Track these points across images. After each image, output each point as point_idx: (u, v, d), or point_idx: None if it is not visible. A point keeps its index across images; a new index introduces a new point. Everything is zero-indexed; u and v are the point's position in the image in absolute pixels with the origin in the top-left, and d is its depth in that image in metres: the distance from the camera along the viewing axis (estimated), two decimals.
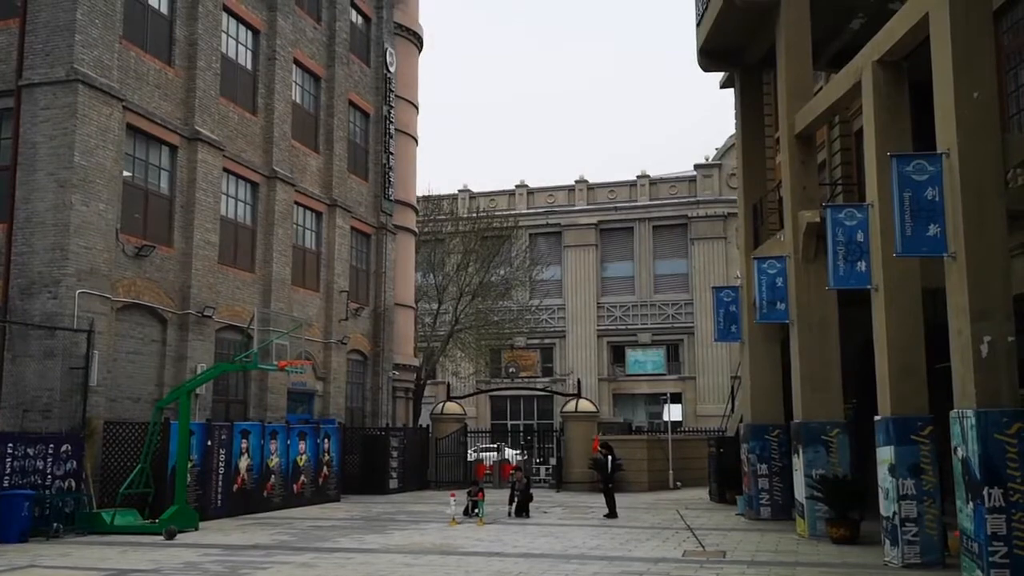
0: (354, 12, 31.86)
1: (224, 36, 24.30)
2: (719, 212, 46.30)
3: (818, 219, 16.98)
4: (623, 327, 47.33)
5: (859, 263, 14.56)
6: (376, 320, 31.92)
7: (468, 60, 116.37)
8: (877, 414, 13.99)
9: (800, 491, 17.19)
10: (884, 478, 13.62)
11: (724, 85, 26.40)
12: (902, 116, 14.55)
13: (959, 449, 11.47)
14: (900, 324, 13.87)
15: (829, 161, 22.13)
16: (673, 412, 32.07)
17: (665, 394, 39.29)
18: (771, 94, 23.39)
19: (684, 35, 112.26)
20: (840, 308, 17.56)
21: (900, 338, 13.83)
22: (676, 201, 47.35)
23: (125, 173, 20.28)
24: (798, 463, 17.40)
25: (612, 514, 20.50)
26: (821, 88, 20.17)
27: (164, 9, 22.10)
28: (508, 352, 47.22)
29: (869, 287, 14.39)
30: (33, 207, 18.42)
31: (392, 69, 33.69)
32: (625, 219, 47.90)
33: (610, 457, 21.93)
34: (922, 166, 12.16)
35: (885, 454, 13.58)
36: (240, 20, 25.12)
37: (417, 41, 37.63)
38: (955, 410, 11.64)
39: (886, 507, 13.57)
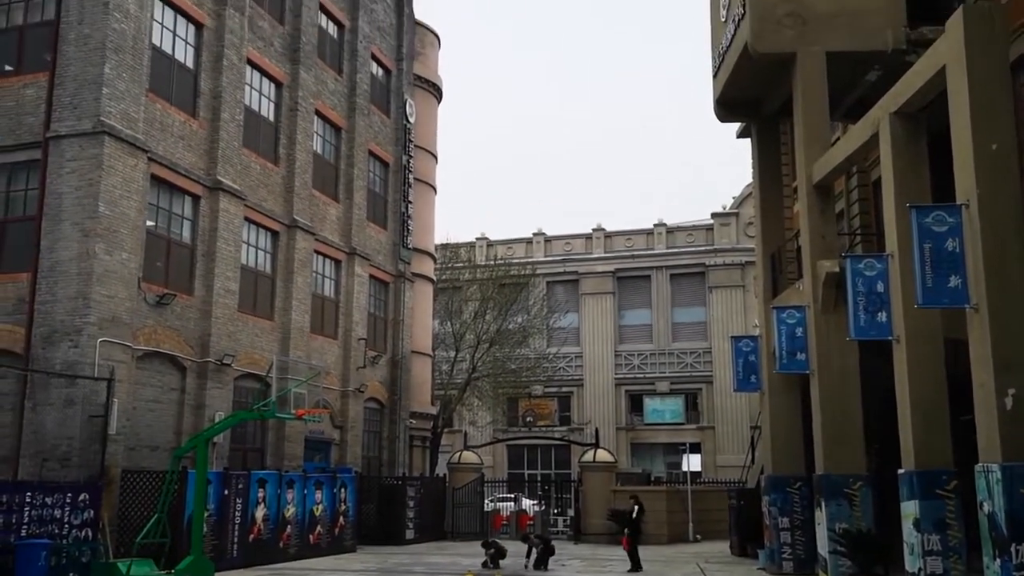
0: (375, 65, 32.37)
1: (248, 88, 24.72)
2: (737, 260, 46.25)
3: (837, 269, 16.96)
4: (641, 376, 47.06)
5: (880, 313, 14.48)
6: (393, 368, 31.91)
7: (486, 108, 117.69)
8: (901, 466, 13.81)
9: (823, 545, 16.91)
10: (909, 533, 13.40)
11: (741, 135, 26.55)
12: (920, 167, 14.57)
13: (985, 504, 11.28)
14: (922, 376, 13.75)
15: (847, 210, 22.12)
16: (692, 462, 31.79)
17: (684, 444, 39.00)
18: (788, 144, 23.49)
19: (700, 84, 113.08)
20: (861, 357, 17.43)
21: (923, 390, 13.69)
22: (694, 249, 47.37)
23: (148, 223, 20.54)
24: (820, 516, 17.15)
25: (636, 567, 20.20)
26: (838, 138, 20.25)
27: (190, 63, 22.54)
28: (525, 401, 47.03)
29: (891, 338, 14.30)
30: (57, 256, 18.64)
31: (411, 120, 34.12)
32: (642, 267, 47.91)
33: (637, 508, 21.78)
34: (942, 217, 12.15)
35: (910, 508, 13.37)
36: (263, 73, 25.57)
37: (436, 92, 38.15)
38: (980, 464, 11.47)
39: (911, 563, 13.32)
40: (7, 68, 20.27)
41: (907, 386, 13.78)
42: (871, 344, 15.78)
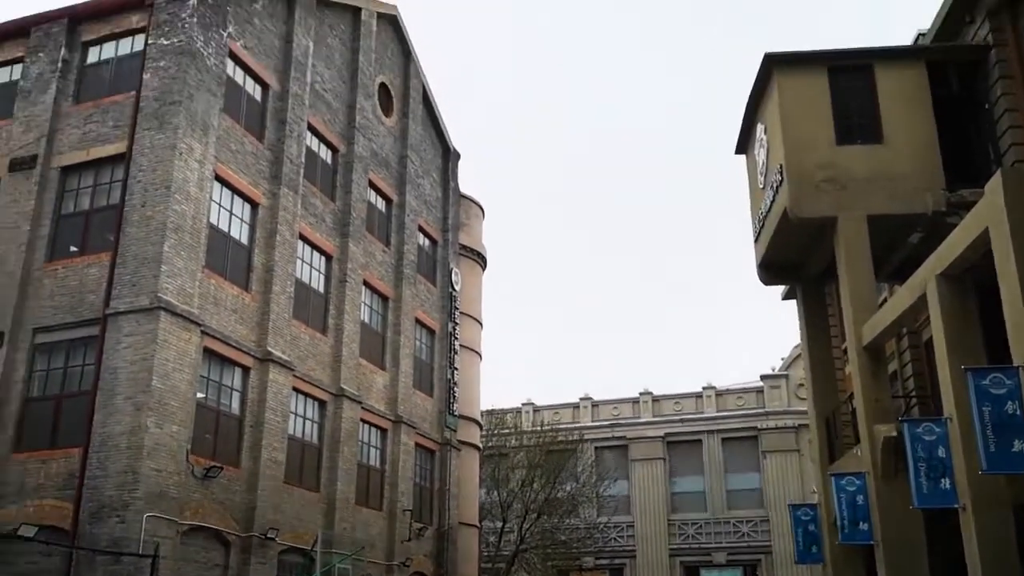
0: (421, 235, 33.35)
1: (299, 262, 25.49)
2: (789, 424, 45.18)
3: (895, 433, 16.48)
4: (696, 546, 45.23)
5: (943, 480, 13.96)
6: (439, 540, 31.12)
7: (531, 273, 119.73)
8: None
9: None
10: None
11: (786, 297, 26.58)
12: (972, 327, 14.39)
13: None
14: (992, 545, 13.07)
15: (900, 372, 21.75)
16: None
17: None
18: (834, 305, 23.43)
19: (743, 244, 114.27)
20: (927, 526, 16.66)
21: (994, 561, 12.97)
22: (744, 413, 46.46)
23: (199, 395, 20.79)
24: None
25: None
26: (886, 299, 20.17)
27: (244, 239, 23.41)
28: (576, 574, 45.28)
29: (956, 506, 13.70)
30: (109, 431, 18.84)
31: (457, 288, 34.76)
32: (693, 431, 46.95)
33: None
34: (999, 379, 11.88)
35: None
36: (314, 247, 26.43)
37: (481, 261, 39.00)
38: None
39: None
40: (73, 249, 21.21)
41: (977, 557, 13.08)
42: (937, 512, 15.10)
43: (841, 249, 18.99)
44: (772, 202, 20.68)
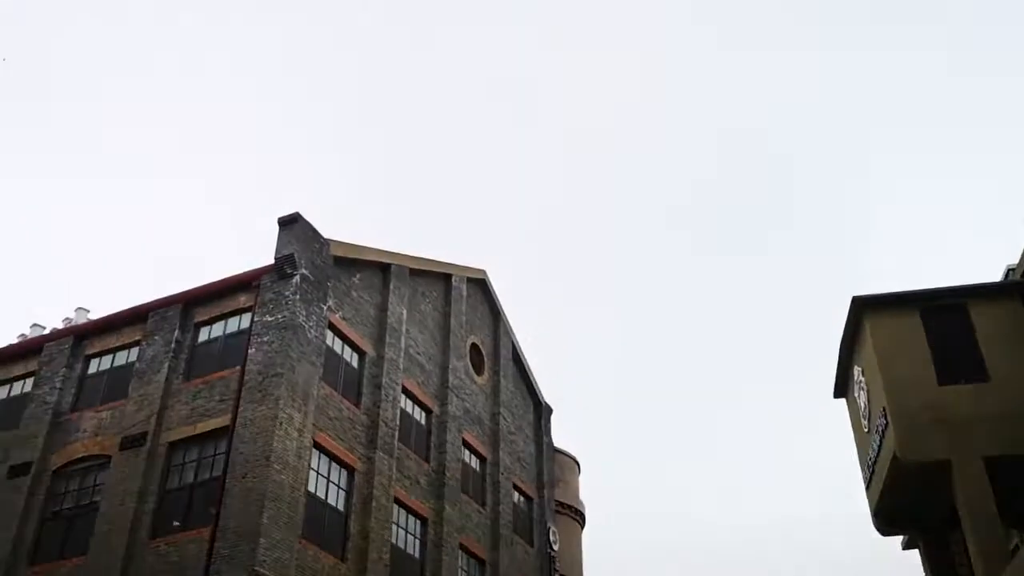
0: (516, 494, 32.77)
1: (394, 527, 25.16)
2: None
3: None
4: None
5: None
6: None
7: (635, 528, 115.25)
8: None
9: None
10: None
11: (906, 547, 24.83)
12: None
13: None
14: None
15: None
16: None
17: None
18: (962, 554, 21.74)
19: (851, 485, 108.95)
20: None
21: None
22: None
23: None
24: None
25: None
26: (1017, 546, 18.66)
27: (341, 506, 23.35)
28: None
29: None
30: None
31: (555, 548, 33.59)
32: None
33: None
34: None
35: None
36: (409, 510, 26.15)
37: (579, 518, 37.93)
38: None
39: None
40: (175, 524, 21.40)
41: None
42: None
43: (960, 494, 17.90)
44: (880, 447, 19.89)
